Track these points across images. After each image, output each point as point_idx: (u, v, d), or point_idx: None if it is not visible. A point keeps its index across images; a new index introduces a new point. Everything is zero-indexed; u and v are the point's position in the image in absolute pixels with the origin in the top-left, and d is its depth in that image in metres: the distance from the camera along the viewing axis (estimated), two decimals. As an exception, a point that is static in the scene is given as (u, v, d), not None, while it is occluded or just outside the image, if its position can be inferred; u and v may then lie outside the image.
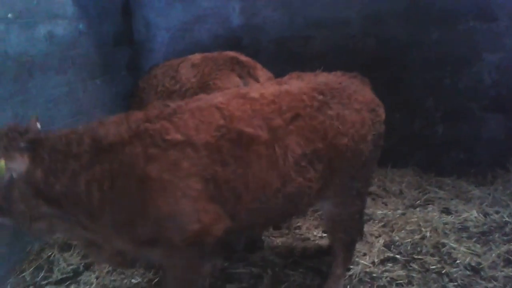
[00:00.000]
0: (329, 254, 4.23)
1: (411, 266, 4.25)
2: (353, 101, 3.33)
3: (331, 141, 3.18)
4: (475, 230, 4.82)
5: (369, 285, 4.01)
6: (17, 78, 4.42)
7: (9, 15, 4.33)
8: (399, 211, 5.25)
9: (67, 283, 4.21)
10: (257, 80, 4.66)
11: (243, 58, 4.83)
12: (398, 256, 4.39)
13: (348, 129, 3.24)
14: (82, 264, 4.46)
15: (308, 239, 4.79)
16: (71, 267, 4.43)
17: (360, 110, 3.33)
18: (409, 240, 4.63)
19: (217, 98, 3.15)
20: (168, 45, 6.88)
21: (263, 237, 4.68)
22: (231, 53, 4.93)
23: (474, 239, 4.63)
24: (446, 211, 5.25)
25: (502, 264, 4.23)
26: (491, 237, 4.69)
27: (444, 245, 4.54)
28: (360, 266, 4.23)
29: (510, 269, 4.14)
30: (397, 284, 4.01)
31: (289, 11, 6.44)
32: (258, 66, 4.82)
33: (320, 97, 3.24)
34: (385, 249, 4.52)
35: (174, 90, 4.84)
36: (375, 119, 3.44)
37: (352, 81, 3.55)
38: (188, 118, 2.94)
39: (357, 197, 3.56)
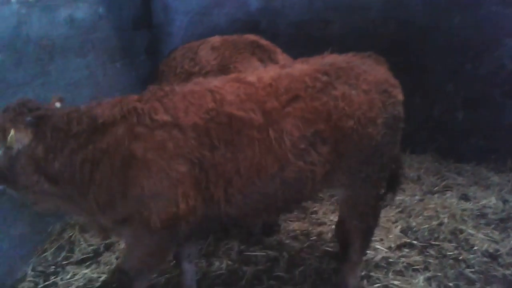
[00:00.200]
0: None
1: (427, 252, 4.25)
2: (361, 81, 3.13)
3: (336, 122, 3.02)
4: (493, 216, 4.80)
5: (385, 270, 4.04)
6: (38, 61, 4.48)
7: (31, -1, 4.37)
8: (417, 197, 5.23)
9: (87, 263, 4.31)
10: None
11: (263, 42, 4.81)
12: (415, 242, 4.40)
13: (355, 110, 3.05)
14: (103, 244, 4.56)
15: (325, 223, 4.81)
16: (91, 247, 4.53)
17: (368, 91, 3.11)
18: (426, 226, 4.63)
19: (213, 82, 3.15)
20: (186, 29, 6.88)
21: (279, 221, 4.71)
22: (252, 37, 4.90)
23: (492, 226, 4.61)
24: (465, 197, 5.23)
25: (519, 251, 4.20)
26: (509, 224, 4.67)
27: (461, 231, 4.53)
28: (376, 251, 4.24)
29: (528, 256, 4.12)
30: (413, 270, 4.02)
31: (308, -6, 6.38)
32: (278, 50, 4.79)
33: (324, 77, 3.09)
34: (402, 234, 4.53)
35: (193, 72, 4.81)
36: (388, 101, 3.18)
37: (364, 61, 3.33)
38: (179, 100, 2.96)
39: (369, 183, 3.34)
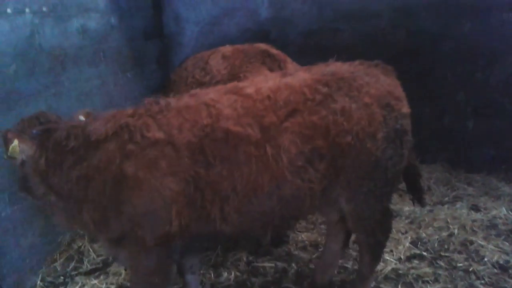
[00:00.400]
0: (355, 250, 4.27)
1: (438, 264, 4.23)
2: (363, 94, 3.02)
3: (334, 138, 2.93)
4: (504, 227, 4.77)
5: (395, 282, 4.02)
6: (50, 71, 4.53)
7: (44, 9, 4.43)
8: (427, 208, 5.20)
9: (96, 273, 4.33)
10: None
11: (274, 51, 4.83)
12: (425, 253, 4.38)
13: (353, 125, 2.96)
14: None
15: (334, 234, 4.79)
16: (100, 258, 4.55)
17: (369, 105, 3.00)
18: (436, 237, 4.61)
19: (209, 94, 3.06)
20: (197, 39, 6.94)
21: (288, 232, 4.71)
22: (262, 46, 4.92)
23: (503, 237, 4.58)
24: (475, 208, 5.20)
25: (531, 263, 4.18)
26: (520, 235, 4.62)
27: (472, 242, 4.51)
28: (386, 263, 4.23)
29: (539, 268, 4.09)
30: (423, 281, 4.00)
31: (318, 3, 6.42)
32: (288, 59, 4.81)
33: (325, 89, 2.99)
34: (412, 246, 4.51)
35: (204, 81, 4.82)
36: (390, 115, 3.06)
37: (369, 71, 3.21)
38: (173, 117, 2.89)
39: (372, 197, 3.22)
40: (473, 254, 4.34)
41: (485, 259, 4.24)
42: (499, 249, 4.38)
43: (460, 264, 4.19)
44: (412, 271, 4.12)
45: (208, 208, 2.87)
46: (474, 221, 4.87)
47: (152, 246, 2.91)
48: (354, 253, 4.34)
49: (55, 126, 3.03)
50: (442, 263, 4.22)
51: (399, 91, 3.24)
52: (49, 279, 4.29)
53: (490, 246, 4.42)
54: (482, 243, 4.47)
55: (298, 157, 2.89)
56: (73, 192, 2.91)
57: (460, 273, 4.09)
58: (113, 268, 4.35)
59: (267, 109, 2.91)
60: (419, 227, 4.83)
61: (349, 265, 4.23)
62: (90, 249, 4.65)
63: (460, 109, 6.16)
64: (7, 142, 2.91)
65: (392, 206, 5.15)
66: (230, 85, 3.26)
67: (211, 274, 4.19)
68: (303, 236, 4.75)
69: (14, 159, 2.95)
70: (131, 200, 2.82)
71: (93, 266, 4.43)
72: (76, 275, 4.33)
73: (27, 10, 4.22)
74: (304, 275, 4.13)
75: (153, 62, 6.70)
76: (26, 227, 4.23)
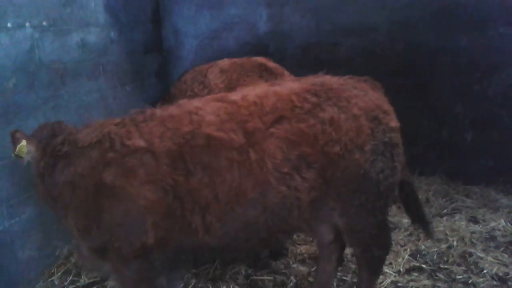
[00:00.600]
0: (353, 263, 4.26)
1: (437, 276, 4.22)
2: (352, 105, 3.01)
3: (323, 148, 2.90)
4: (502, 239, 4.76)
5: (394, 294, 4.00)
6: (50, 84, 4.57)
7: (44, 23, 4.47)
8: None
9: (94, 287, 4.30)
10: None
11: (271, 64, 4.86)
12: (424, 266, 4.37)
13: (341, 136, 2.93)
14: (110, 269, 4.55)
15: (333, 247, 4.78)
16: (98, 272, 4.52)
17: (358, 116, 3.00)
18: (435, 249, 4.60)
19: (195, 103, 3.05)
20: (196, 53, 7.00)
21: (287, 245, 4.70)
22: (260, 59, 4.96)
23: (502, 249, 4.58)
24: (474, 220, 5.20)
25: (530, 275, 4.17)
26: (519, 247, 4.62)
27: (471, 254, 4.50)
28: (385, 275, 4.21)
29: (539, 280, 4.08)
30: (423, 294, 3.98)
31: (316, 17, 6.47)
32: (286, 73, 4.84)
33: (314, 98, 2.98)
34: (411, 258, 4.50)
35: (203, 95, 4.83)
36: (377, 128, 3.05)
37: (357, 85, 3.21)
38: (156, 125, 2.88)
39: (365, 211, 3.17)
40: (472, 266, 4.33)
41: (484, 271, 4.23)
42: (498, 261, 4.37)
43: (460, 276, 4.18)
44: (411, 283, 4.11)
45: (189, 218, 2.81)
46: (473, 233, 4.87)
47: (131, 258, 2.88)
48: (353, 266, 4.33)
49: (59, 132, 3.10)
50: (441, 276, 4.21)
51: (387, 106, 3.24)
52: (46, 293, 4.27)
53: (489, 258, 4.41)
54: (481, 255, 4.46)
55: (284, 163, 2.84)
56: (61, 197, 2.95)
57: (460, 285, 4.08)
58: (110, 283, 4.32)
59: (252, 114, 2.88)
60: (418, 239, 4.82)
61: (348, 278, 4.21)
62: (88, 263, 4.62)
63: (458, 122, 6.17)
64: (15, 142, 2.99)
65: (390, 218, 5.18)
66: (219, 94, 3.27)
67: (209, 288, 4.19)
68: (302, 248, 4.74)
69: (21, 159, 3.05)
70: (108, 209, 2.81)
71: (91, 280, 4.40)
72: (74, 289, 4.32)
73: (27, 24, 4.26)
74: (302, 288, 4.12)
75: (153, 76, 6.74)
76: (23, 240, 4.23)
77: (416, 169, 6.22)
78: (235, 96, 3.04)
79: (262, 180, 2.82)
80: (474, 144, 6.13)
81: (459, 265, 4.36)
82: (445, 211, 5.44)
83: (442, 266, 4.35)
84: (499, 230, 4.93)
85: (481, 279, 4.12)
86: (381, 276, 4.16)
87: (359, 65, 6.32)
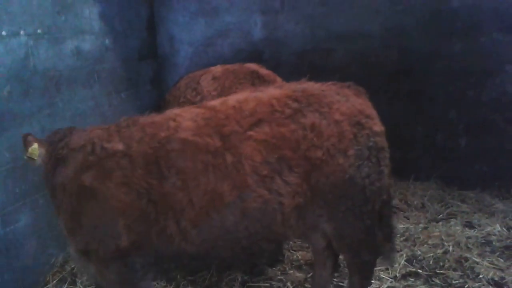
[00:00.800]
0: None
1: (433, 281, 4.21)
2: (333, 111, 3.00)
3: (305, 153, 2.89)
4: (498, 244, 4.77)
5: (391, 300, 4.00)
6: (45, 92, 4.57)
7: (39, 31, 4.47)
8: (421, 225, 5.21)
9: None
10: None
11: (263, 71, 4.87)
12: (420, 271, 4.36)
13: (323, 141, 2.93)
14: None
15: (329, 252, 4.77)
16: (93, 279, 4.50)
17: (340, 122, 2.99)
18: (431, 254, 4.59)
19: (176, 110, 3.13)
20: (191, 59, 7.01)
21: (283, 251, 4.70)
22: (252, 66, 4.96)
23: (498, 254, 4.58)
24: (469, 225, 5.21)
25: (525, 279, 4.17)
26: (514, 251, 4.63)
27: (467, 259, 4.49)
28: (381, 281, 4.21)
29: (534, 284, 4.08)
30: (418, 299, 3.98)
31: (310, 24, 6.50)
32: (278, 79, 4.85)
33: (295, 104, 2.98)
34: (407, 263, 4.49)
35: (195, 102, 4.83)
36: (360, 132, 3.04)
37: (340, 91, 3.20)
38: (136, 131, 2.95)
39: (352, 216, 3.14)
40: (468, 271, 4.33)
41: (480, 276, 4.23)
42: (494, 266, 4.37)
43: (456, 281, 4.18)
44: (407, 289, 4.11)
45: (163, 223, 2.83)
46: (468, 238, 4.87)
47: (109, 260, 2.93)
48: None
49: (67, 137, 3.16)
50: (437, 281, 4.21)
51: (370, 110, 3.22)
52: (42, 300, 4.25)
53: (485, 263, 4.41)
54: (477, 260, 4.46)
55: (263, 165, 2.83)
56: (56, 198, 3.03)
57: (456, 290, 4.09)
58: (106, 290, 4.30)
59: (229, 118, 2.91)
60: (414, 245, 4.82)
61: (344, 283, 4.19)
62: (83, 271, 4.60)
63: (452, 127, 6.20)
64: (27, 144, 3.06)
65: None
66: (203, 103, 3.32)
67: (206, 294, 4.17)
68: (298, 255, 4.73)
69: (33, 161, 3.10)
70: (87, 211, 2.89)
71: (86, 287, 4.38)
72: (69, 296, 4.29)
73: (22, 32, 4.26)
74: (299, 294, 4.11)
75: (147, 83, 6.75)
76: (19, 248, 4.21)
77: (411, 174, 6.26)
78: (215, 102, 3.12)
79: (240, 183, 2.81)
80: (468, 149, 6.15)
81: (455, 270, 4.36)
82: (440, 216, 5.44)
83: (438, 271, 4.34)
84: (494, 235, 4.93)
85: (477, 284, 4.12)
86: (377, 282, 4.18)
87: (354, 71, 6.35)
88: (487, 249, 4.69)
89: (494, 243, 4.80)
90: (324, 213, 3.11)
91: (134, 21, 6.39)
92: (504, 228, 5.03)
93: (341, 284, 4.21)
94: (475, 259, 4.48)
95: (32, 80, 4.40)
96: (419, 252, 4.65)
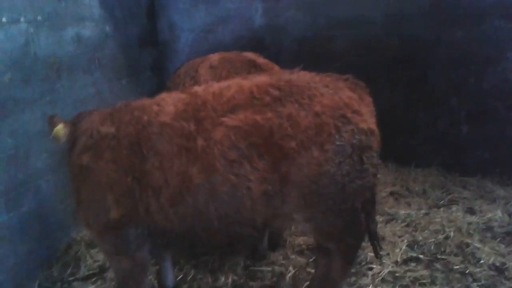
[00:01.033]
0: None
1: (434, 266, 4.23)
2: (314, 103, 2.93)
3: (277, 141, 2.87)
4: (499, 230, 4.78)
5: (392, 284, 4.01)
6: (45, 79, 4.55)
7: (39, 18, 4.46)
8: (423, 211, 5.22)
9: (93, 279, 4.31)
10: None
11: (261, 60, 4.83)
12: (421, 256, 4.38)
13: (298, 132, 2.88)
14: (109, 260, 4.56)
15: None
16: (97, 263, 4.53)
17: (320, 114, 2.91)
18: (432, 240, 4.61)
19: (163, 95, 3.27)
20: (191, 46, 6.99)
21: (285, 236, 4.71)
22: (249, 55, 4.93)
23: (499, 239, 4.60)
24: (470, 211, 5.22)
25: (526, 264, 4.20)
26: (515, 237, 4.65)
27: (468, 245, 4.51)
28: (383, 266, 4.24)
29: (535, 269, 4.11)
30: (420, 284, 3.99)
31: (312, 11, 6.47)
32: (276, 68, 4.82)
33: (276, 92, 2.96)
34: (408, 249, 4.51)
35: (194, 90, 4.84)
36: (344, 127, 2.93)
37: (331, 84, 3.10)
38: (126, 114, 3.14)
39: (331, 215, 3.10)
40: (469, 257, 4.35)
41: (481, 261, 4.25)
42: (495, 251, 4.39)
43: (457, 267, 4.20)
44: (409, 273, 4.12)
45: (145, 200, 3.00)
46: (469, 224, 4.89)
47: (103, 232, 3.17)
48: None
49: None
50: (438, 266, 4.23)
51: (362, 106, 3.09)
52: (46, 284, 4.27)
53: (486, 249, 4.42)
54: (478, 245, 4.48)
55: (232, 151, 2.88)
56: (70, 176, 3.26)
57: (457, 275, 4.09)
58: (109, 274, 4.32)
59: (206, 104, 2.99)
60: (415, 230, 4.83)
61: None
62: (87, 255, 4.63)
63: (454, 114, 6.19)
64: (52, 125, 3.26)
65: (387, 210, 5.25)
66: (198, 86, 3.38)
67: (208, 279, 4.18)
68: (300, 240, 4.74)
69: (58, 141, 3.27)
70: (84, 188, 3.14)
71: (90, 272, 4.40)
72: (73, 280, 4.31)
73: (22, 19, 4.24)
74: (301, 279, 4.12)
75: (148, 70, 6.73)
76: (22, 233, 4.22)
77: (413, 161, 6.27)
78: (199, 88, 3.19)
79: (209, 166, 2.90)
80: (470, 136, 6.15)
81: (456, 255, 4.38)
82: (442, 202, 5.45)
83: (439, 257, 4.36)
84: (495, 221, 4.95)
85: (478, 269, 4.14)
86: (379, 266, 4.21)
87: (355, 58, 6.35)
88: (488, 235, 4.71)
89: (495, 229, 4.81)
90: (302, 212, 3.07)
91: (134, 7, 6.36)
92: (505, 214, 5.04)
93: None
94: (476, 244, 4.49)
95: (33, 67, 4.38)
96: (420, 238, 4.66)
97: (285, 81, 3.06)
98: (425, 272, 4.13)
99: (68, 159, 3.27)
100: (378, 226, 4.75)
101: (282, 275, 4.20)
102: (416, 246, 4.56)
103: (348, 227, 3.24)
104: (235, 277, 4.18)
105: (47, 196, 4.56)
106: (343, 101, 3.00)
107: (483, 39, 5.87)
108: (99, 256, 4.59)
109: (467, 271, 4.13)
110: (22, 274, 4.20)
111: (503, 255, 4.34)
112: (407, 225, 4.96)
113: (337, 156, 2.93)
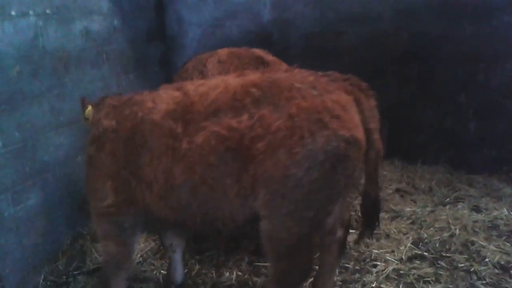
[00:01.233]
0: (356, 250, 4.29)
1: (439, 264, 4.23)
2: (291, 105, 2.80)
3: (246, 143, 2.82)
4: (505, 228, 4.76)
5: (396, 282, 4.01)
6: (54, 72, 4.59)
7: (48, 11, 4.48)
8: (428, 209, 5.20)
9: (98, 273, 4.31)
10: None
11: (269, 57, 4.82)
12: (426, 254, 4.37)
13: (267, 133, 2.79)
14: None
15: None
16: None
17: (294, 116, 2.77)
18: (437, 237, 4.59)
19: (161, 91, 3.34)
20: (199, 41, 6.99)
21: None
22: (258, 52, 4.91)
23: (504, 238, 4.57)
24: (476, 209, 5.19)
25: (531, 263, 4.18)
26: (521, 235, 4.62)
27: (473, 243, 4.49)
28: (387, 263, 4.24)
29: (540, 268, 4.09)
30: (424, 282, 3.99)
31: (320, 6, 6.45)
32: (284, 66, 4.81)
33: (257, 93, 2.89)
34: (413, 246, 4.50)
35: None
36: (320, 132, 2.74)
37: (320, 85, 2.94)
38: (127, 108, 3.30)
39: (290, 221, 2.90)
40: (474, 255, 4.33)
41: (486, 260, 4.23)
42: (500, 250, 4.37)
43: (462, 265, 4.18)
44: (413, 271, 4.11)
45: (139, 191, 3.17)
46: (475, 221, 4.86)
47: (101, 218, 3.40)
48: (355, 254, 4.37)
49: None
50: (443, 264, 4.22)
51: (348, 111, 2.88)
52: (51, 278, 4.31)
53: (491, 247, 4.40)
54: (484, 243, 4.46)
55: (211, 155, 2.90)
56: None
57: (462, 273, 4.08)
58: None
59: (193, 105, 3.03)
60: (421, 228, 4.81)
61: (350, 265, 4.24)
62: (92, 249, 4.67)
63: (461, 111, 6.16)
64: (83, 106, 3.59)
65: (393, 207, 5.26)
66: (183, 83, 3.47)
67: (213, 274, 4.21)
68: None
69: (88, 121, 3.58)
70: (89, 176, 3.41)
71: (95, 266, 4.43)
72: (79, 274, 4.35)
73: (31, 12, 4.27)
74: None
75: (156, 64, 6.75)
76: (28, 226, 4.27)
77: (419, 158, 6.25)
78: (192, 85, 3.21)
79: (189, 168, 2.97)
80: (477, 134, 6.12)
81: (461, 253, 4.36)
82: (448, 200, 5.42)
83: (444, 254, 4.35)
84: (501, 219, 4.92)
85: (483, 267, 4.13)
86: (383, 264, 4.21)
87: (363, 54, 6.33)
88: (494, 233, 4.68)
89: (501, 227, 4.78)
90: (265, 210, 2.94)
91: (142, 1, 6.38)
92: (511, 213, 5.01)
93: (347, 265, 4.24)
94: (481, 242, 4.47)
95: (41, 60, 4.42)
96: (425, 235, 4.65)
97: (270, 81, 2.98)
98: (429, 270, 4.12)
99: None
100: (383, 223, 4.82)
101: (286, 271, 4.20)
102: (421, 243, 4.55)
103: (301, 243, 3.01)
104: (240, 273, 4.21)
105: (54, 190, 4.60)
106: (324, 105, 2.82)
107: (493, 35, 5.82)
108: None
109: (472, 269, 4.12)
110: (28, 268, 4.24)
111: (508, 254, 4.32)
112: (413, 223, 4.95)
113: (306, 160, 2.76)
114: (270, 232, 2.98)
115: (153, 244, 4.77)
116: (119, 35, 5.74)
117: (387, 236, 4.68)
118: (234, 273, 4.20)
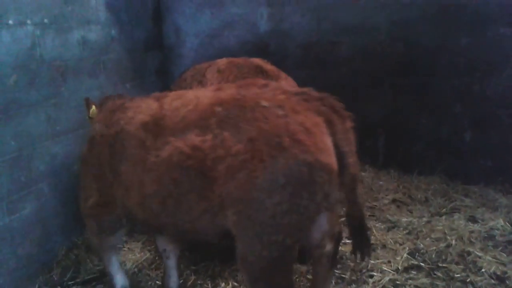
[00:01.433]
0: (353, 261, 4.28)
1: (435, 274, 4.22)
2: (251, 128, 2.75)
3: (209, 164, 2.80)
4: (501, 239, 4.76)
5: (392, 292, 4.01)
6: (51, 81, 4.60)
7: (45, 21, 4.49)
8: (425, 219, 5.20)
9: (93, 283, 4.33)
10: None
11: (268, 67, 4.84)
12: (422, 264, 4.37)
13: (228, 156, 2.75)
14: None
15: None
16: (97, 267, 4.54)
17: (253, 140, 2.72)
18: (434, 248, 4.59)
19: (143, 101, 3.47)
20: (197, 51, 7.02)
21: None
22: (257, 61, 4.94)
23: (500, 248, 4.57)
24: (472, 219, 5.19)
25: (528, 274, 4.18)
26: (517, 246, 4.63)
27: (469, 253, 4.49)
28: (383, 273, 4.23)
29: (536, 279, 4.09)
30: (420, 292, 3.99)
31: (317, 16, 6.49)
32: (283, 75, 4.82)
33: (223, 113, 2.86)
34: (409, 256, 4.49)
35: (201, 95, 4.85)
36: (280, 156, 2.65)
37: (287, 105, 2.84)
38: (115, 114, 3.48)
39: (258, 244, 2.79)
40: (471, 265, 4.33)
41: (483, 270, 4.22)
42: (496, 260, 4.37)
43: (458, 275, 4.18)
44: (409, 281, 4.11)
45: (120, 195, 3.37)
46: (471, 232, 4.86)
47: (87, 217, 3.77)
48: (352, 264, 4.36)
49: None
50: (439, 274, 4.21)
51: (313, 135, 2.74)
52: (46, 288, 4.29)
53: (488, 257, 4.40)
54: (480, 254, 4.46)
55: (175, 170, 2.94)
56: None
57: (458, 283, 4.07)
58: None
59: (165, 119, 3.11)
60: (417, 238, 4.81)
61: (346, 275, 4.23)
62: (87, 259, 4.65)
63: (457, 121, 6.18)
64: (88, 106, 3.85)
65: (389, 217, 5.24)
66: (172, 93, 3.53)
67: (208, 285, 4.19)
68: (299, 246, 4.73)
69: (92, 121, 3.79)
70: (80, 175, 3.75)
71: (90, 276, 4.42)
72: (73, 285, 4.32)
73: (28, 21, 4.29)
74: (301, 286, 4.12)
75: (153, 74, 6.76)
76: (23, 236, 4.26)
77: (416, 168, 6.26)
78: (171, 97, 3.30)
79: (157, 180, 3.05)
80: (473, 144, 6.13)
81: (457, 263, 4.36)
82: (444, 210, 5.42)
83: (440, 265, 4.34)
84: (497, 229, 4.92)
85: (479, 278, 4.12)
86: (379, 274, 4.20)
87: (359, 64, 6.36)
88: (490, 243, 4.68)
89: (497, 237, 4.78)
90: (235, 230, 2.89)
91: (140, 11, 6.40)
92: (507, 223, 5.01)
93: (343, 276, 4.23)
94: (477, 253, 4.47)
95: (38, 69, 4.43)
96: (421, 246, 4.65)
97: (236, 99, 2.93)
98: (426, 280, 4.12)
99: None
100: (379, 233, 4.82)
101: (282, 281, 4.19)
102: (417, 254, 4.54)
103: (273, 268, 2.89)
104: (235, 284, 4.18)
105: (49, 199, 4.59)
106: (286, 128, 2.72)
107: (488, 46, 5.85)
108: (99, 261, 4.59)
109: (468, 280, 4.11)
110: (23, 277, 4.23)
111: (504, 264, 4.31)
112: (409, 233, 4.95)
113: (267, 184, 2.68)
114: (242, 254, 2.90)
115: (148, 254, 4.74)
116: (116, 45, 5.76)
117: (384, 246, 4.68)
118: (230, 283, 4.18)
